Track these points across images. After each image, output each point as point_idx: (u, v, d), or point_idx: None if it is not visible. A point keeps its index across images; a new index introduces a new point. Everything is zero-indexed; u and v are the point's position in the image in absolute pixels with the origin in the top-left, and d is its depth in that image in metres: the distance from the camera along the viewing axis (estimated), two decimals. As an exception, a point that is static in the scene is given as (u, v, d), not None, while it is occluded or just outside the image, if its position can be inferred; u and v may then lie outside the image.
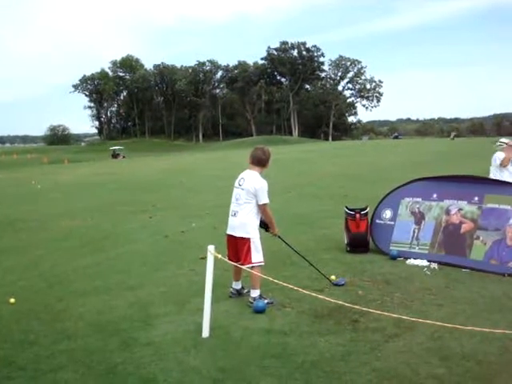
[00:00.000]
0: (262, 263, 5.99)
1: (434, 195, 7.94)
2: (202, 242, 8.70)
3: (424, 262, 7.43)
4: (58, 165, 55.71)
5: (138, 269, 7.99)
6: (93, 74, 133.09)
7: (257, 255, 5.94)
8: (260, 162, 6.06)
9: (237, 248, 6.03)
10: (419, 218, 7.97)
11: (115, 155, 73.47)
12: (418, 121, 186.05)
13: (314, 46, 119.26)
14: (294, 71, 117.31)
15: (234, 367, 4.40)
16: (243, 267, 5.91)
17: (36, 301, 6.54)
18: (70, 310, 6.14)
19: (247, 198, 5.93)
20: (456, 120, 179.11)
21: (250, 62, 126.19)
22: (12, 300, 6.44)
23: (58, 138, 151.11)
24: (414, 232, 7.94)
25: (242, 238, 5.96)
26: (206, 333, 5.09)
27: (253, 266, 5.84)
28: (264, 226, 6.21)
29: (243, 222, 5.95)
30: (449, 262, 7.32)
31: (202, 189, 19.99)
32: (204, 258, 5.67)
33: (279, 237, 6.36)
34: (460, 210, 7.61)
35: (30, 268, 8.38)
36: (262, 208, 5.97)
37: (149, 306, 6.13)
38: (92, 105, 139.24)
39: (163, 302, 6.23)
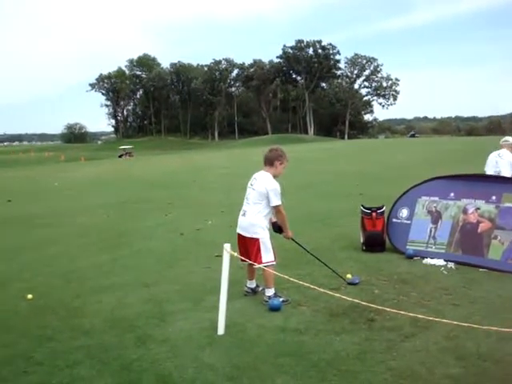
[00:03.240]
0: (274, 262, 5.94)
1: (451, 194, 7.88)
2: (217, 239, 8.71)
3: (441, 262, 7.38)
4: (74, 163, 56.13)
5: (154, 266, 8.02)
6: (109, 73, 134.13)
7: (267, 255, 5.90)
8: (271, 162, 6.04)
9: (247, 247, 6.01)
10: (436, 217, 7.91)
11: (121, 155, 72.88)
12: (434, 119, 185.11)
13: (330, 44, 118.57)
14: (310, 69, 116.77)
15: (249, 365, 4.39)
16: (255, 266, 5.92)
17: (53, 297, 6.60)
18: (87, 306, 6.18)
19: (257, 199, 5.91)
20: (473, 118, 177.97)
21: (266, 60, 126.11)
22: (29, 296, 6.51)
23: (75, 136, 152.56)
24: (430, 231, 7.88)
25: (251, 238, 5.94)
26: (221, 330, 5.10)
27: (267, 266, 5.83)
28: (277, 228, 6.19)
29: (252, 223, 5.93)
30: (466, 262, 7.25)
31: (218, 187, 20.03)
32: (219, 256, 5.68)
33: (293, 239, 6.33)
34: (477, 209, 7.54)
35: (47, 264, 8.46)
36: (275, 210, 5.95)
37: (164, 303, 6.15)
38: (109, 103, 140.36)
39: (178, 299, 6.25)
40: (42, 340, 5.16)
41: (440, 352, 4.50)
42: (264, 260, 5.85)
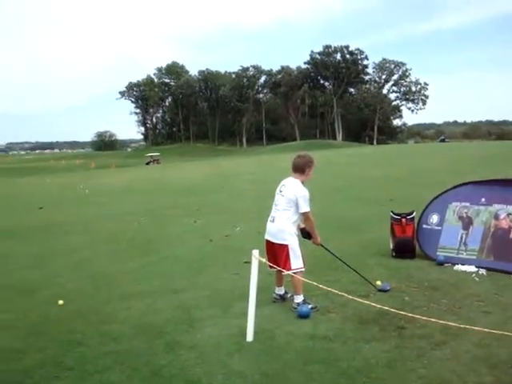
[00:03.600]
0: (303, 269, 5.92)
1: (483, 199, 7.76)
2: (246, 246, 8.71)
3: (472, 268, 7.26)
4: (104, 170, 56.78)
5: (183, 272, 8.06)
6: (139, 81, 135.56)
7: (296, 261, 5.87)
8: (301, 169, 5.99)
9: (275, 254, 5.98)
10: (467, 222, 7.79)
11: (149, 162, 72.93)
12: (465, 123, 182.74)
13: (358, 50, 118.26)
14: (338, 75, 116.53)
15: (277, 372, 4.38)
16: (284, 273, 5.90)
17: (83, 303, 6.67)
18: (116, 312, 6.23)
19: (286, 205, 5.89)
20: (504, 122, 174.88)
21: (293, 66, 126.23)
22: (60, 302, 6.60)
23: (105, 143, 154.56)
24: (461, 237, 7.76)
25: (279, 244, 5.91)
26: (249, 337, 5.09)
27: (296, 273, 5.81)
28: (306, 234, 6.18)
29: (280, 229, 5.90)
30: (498, 268, 7.12)
31: (247, 193, 20.04)
32: (248, 263, 5.68)
33: (322, 245, 6.30)
34: (509, 214, 7.41)
35: (78, 270, 8.56)
36: (304, 216, 5.93)
37: (193, 309, 6.17)
38: (138, 111, 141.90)
39: (207, 306, 6.27)
40: (72, 345, 5.22)
41: (471, 360, 4.42)
42: (293, 266, 5.83)
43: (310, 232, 6.09)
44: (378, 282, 6.64)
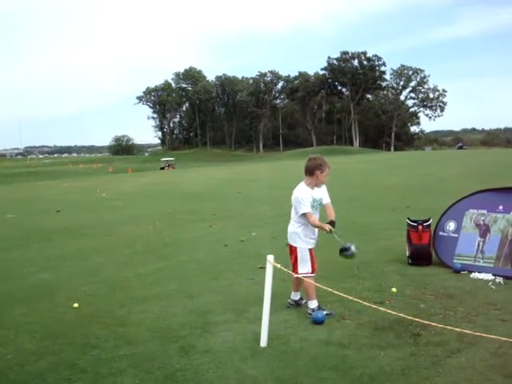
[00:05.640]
0: (311, 274, 5.88)
1: (500, 207, 7.68)
2: (261, 251, 8.72)
3: (489, 276, 7.18)
4: (122, 174, 57.12)
5: (198, 277, 8.07)
6: (156, 86, 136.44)
7: (303, 266, 5.89)
8: (310, 172, 5.92)
9: (291, 255, 6.09)
10: (484, 230, 7.72)
11: (163, 167, 73.12)
12: (483, 131, 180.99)
13: (375, 56, 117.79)
14: (355, 81, 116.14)
15: (291, 378, 4.36)
16: (293, 276, 5.90)
17: (98, 306, 6.71)
18: (131, 315, 6.26)
19: (293, 209, 6.00)
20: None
21: (311, 72, 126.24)
22: (75, 305, 6.64)
23: (123, 148, 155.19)
24: (478, 245, 7.69)
25: (291, 245, 6.02)
26: (263, 342, 5.08)
27: (304, 277, 5.79)
28: (333, 225, 5.75)
29: (291, 231, 6.01)
30: (515, 277, 7.05)
31: (263, 198, 20.06)
32: (263, 268, 5.67)
33: (331, 231, 5.74)
34: (527, 222, 7.32)
35: (94, 273, 8.61)
36: (306, 218, 5.82)
37: (207, 313, 6.18)
38: (155, 116, 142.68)
39: (222, 310, 6.27)
40: (87, 348, 5.25)
41: (487, 369, 4.36)
42: (300, 271, 5.85)
43: (316, 227, 5.86)
44: (394, 289, 6.60)
